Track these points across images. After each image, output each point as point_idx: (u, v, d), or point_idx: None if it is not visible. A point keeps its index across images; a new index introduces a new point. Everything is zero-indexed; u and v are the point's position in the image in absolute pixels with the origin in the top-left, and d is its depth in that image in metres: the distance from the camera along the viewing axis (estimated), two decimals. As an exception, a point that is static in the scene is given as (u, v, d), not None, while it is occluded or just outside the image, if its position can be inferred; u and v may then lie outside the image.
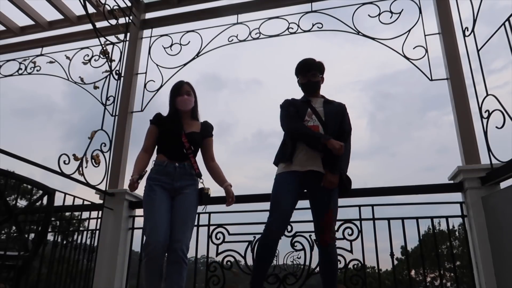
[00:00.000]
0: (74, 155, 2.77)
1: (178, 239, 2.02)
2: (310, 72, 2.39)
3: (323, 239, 2.11)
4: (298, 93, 2.48)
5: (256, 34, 3.52)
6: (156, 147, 2.34)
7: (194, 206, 2.20)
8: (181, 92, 2.35)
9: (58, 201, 2.27)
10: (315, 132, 2.19)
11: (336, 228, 2.61)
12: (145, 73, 3.63)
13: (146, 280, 2.04)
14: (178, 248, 2.00)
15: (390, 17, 3.21)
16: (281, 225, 2.16)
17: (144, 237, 2.09)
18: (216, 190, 2.33)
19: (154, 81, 3.56)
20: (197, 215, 2.23)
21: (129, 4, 3.71)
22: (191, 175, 2.23)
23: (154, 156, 2.35)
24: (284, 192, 2.18)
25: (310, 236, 2.65)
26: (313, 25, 3.39)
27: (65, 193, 2.59)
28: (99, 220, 2.99)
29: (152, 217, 2.06)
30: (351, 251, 2.56)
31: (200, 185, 2.28)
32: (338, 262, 2.36)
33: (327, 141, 2.09)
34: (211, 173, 2.37)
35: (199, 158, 2.38)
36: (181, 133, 2.25)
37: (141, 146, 2.36)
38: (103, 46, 3.36)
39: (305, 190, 2.25)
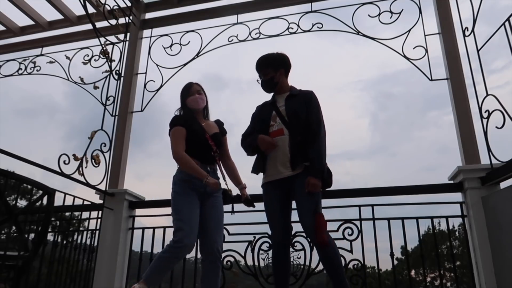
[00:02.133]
0: (74, 155, 2.77)
1: (215, 240, 2.06)
2: (260, 72, 2.34)
3: (321, 239, 2.00)
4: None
5: (256, 34, 3.52)
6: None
7: (223, 208, 2.23)
8: (191, 92, 2.29)
9: (58, 201, 2.27)
10: (249, 142, 2.26)
11: (336, 228, 2.63)
12: (145, 73, 3.63)
13: (160, 270, 1.98)
14: (216, 249, 2.04)
15: (390, 17, 3.21)
16: (281, 232, 2.18)
17: (177, 234, 2.00)
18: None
19: (154, 81, 3.56)
20: None
21: (129, 4, 3.71)
22: (219, 178, 2.25)
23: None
24: (271, 202, 2.21)
25: (310, 236, 2.65)
26: (313, 25, 3.39)
27: (65, 193, 2.59)
28: (99, 220, 2.99)
29: (189, 220, 2.04)
30: (351, 251, 2.56)
31: (223, 186, 2.27)
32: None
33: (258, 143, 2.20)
34: (228, 171, 2.36)
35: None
36: (206, 135, 2.22)
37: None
38: (103, 46, 3.36)
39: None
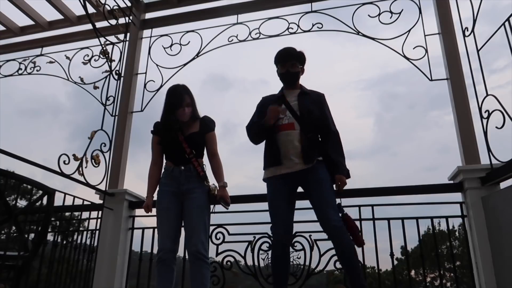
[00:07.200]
0: (74, 155, 2.77)
1: (192, 242, 2.11)
2: (288, 62, 2.32)
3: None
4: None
5: (256, 34, 3.52)
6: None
7: (204, 207, 2.20)
8: (182, 104, 2.31)
9: (58, 201, 2.27)
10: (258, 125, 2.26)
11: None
12: (145, 73, 3.63)
13: (157, 283, 2.13)
14: (193, 250, 2.08)
15: (390, 17, 3.20)
16: (283, 231, 2.16)
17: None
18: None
19: (154, 81, 3.56)
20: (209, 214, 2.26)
21: (129, 4, 3.71)
22: (197, 177, 2.23)
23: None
24: (277, 197, 2.19)
25: (310, 236, 2.65)
26: (313, 25, 3.39)
27: (65, 193, 2.59)
28: (99, 220, 2.99)
29: (161, 224, 2.20)
30: (351, 251, 2.56)
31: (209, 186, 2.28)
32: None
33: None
34: (211, 169, 2.34)
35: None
36: (180, 138, 2.26)
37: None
38: (103, 46, 3.36)
39: (300, 187, 2.24)
